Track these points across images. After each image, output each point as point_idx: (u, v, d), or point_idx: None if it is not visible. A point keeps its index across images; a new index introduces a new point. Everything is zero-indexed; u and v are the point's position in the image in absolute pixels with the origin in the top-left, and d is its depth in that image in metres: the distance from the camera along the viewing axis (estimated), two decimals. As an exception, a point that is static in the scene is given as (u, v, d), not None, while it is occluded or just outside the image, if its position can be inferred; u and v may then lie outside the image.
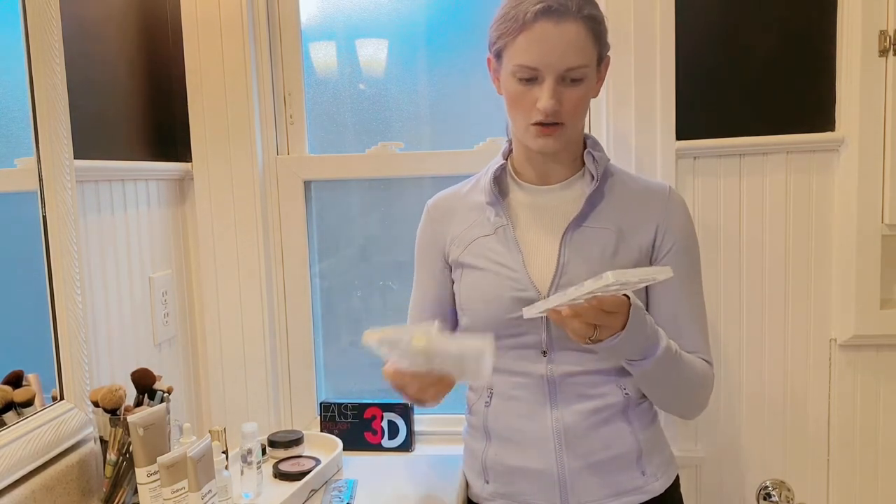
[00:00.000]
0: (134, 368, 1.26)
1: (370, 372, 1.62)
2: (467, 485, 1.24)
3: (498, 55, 1.09)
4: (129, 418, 1.11)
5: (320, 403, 1.58)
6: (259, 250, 1.57)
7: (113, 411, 1.18)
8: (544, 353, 1.11)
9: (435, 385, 1.00)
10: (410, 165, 1.57)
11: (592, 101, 1.12)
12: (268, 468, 1.35)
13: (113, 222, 1.37)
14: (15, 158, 1.11)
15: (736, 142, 1.43)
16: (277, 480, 1.32)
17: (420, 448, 1.56)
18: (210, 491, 1.10)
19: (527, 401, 1.13)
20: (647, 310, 1.06)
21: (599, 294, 0.90)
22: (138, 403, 1.24)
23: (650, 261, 1.13)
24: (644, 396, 1.15)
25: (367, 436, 1.55)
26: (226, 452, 1.31)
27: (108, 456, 1.16)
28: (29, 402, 1.09)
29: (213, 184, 1.57)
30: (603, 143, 1.19)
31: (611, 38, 1.11)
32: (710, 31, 1.42)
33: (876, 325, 1.40)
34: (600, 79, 1.11)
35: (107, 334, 1.34)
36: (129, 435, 1.12)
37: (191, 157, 1.57)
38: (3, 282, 1.09)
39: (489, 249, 1.14)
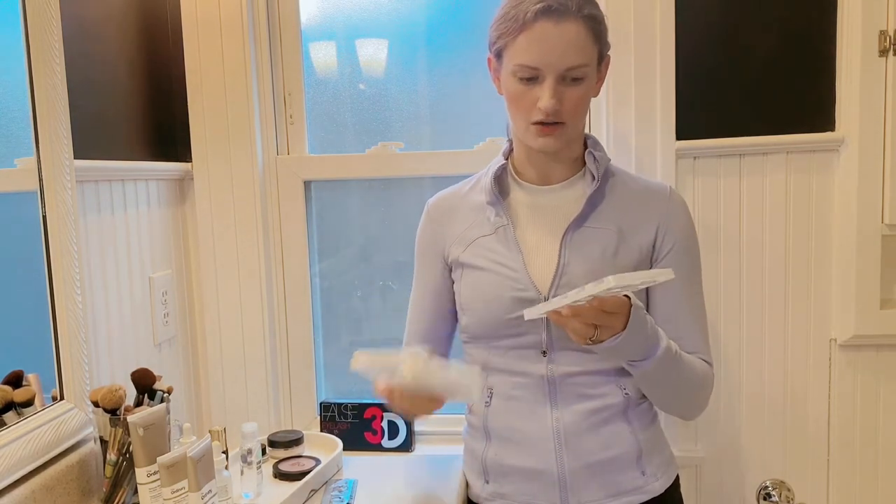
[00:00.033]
0: (134, 368, 1.26)
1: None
2: (467, 485, 1.23)
3: (498, 55, 1.09)
4: (129, 418, 1.11)
5: (320, 403, 1.58)
6: (259, 250, 1.57)
7: (113, 411, 1.18)
8: (544, 353, 1.11)
9: (426, 404, 1.04)
10: (410, 165, 1.57)
11: (592, 100, 1.12)
12: (268, 468, 1.35)
13: (113, 222, 1.37)
14: (15, 158, 1.11)
15: (736, 142, 1.43)
16: (277, 480, 1.32)
17: (420, 448, 1.56)
18: (210, 491, 1.10)
19: (527, 401, 1.13)
20: (647, 310, 1.06)
21: (600, 295, 0.90)
22: (138, 403, 1.24)
23: (650, 261, 1.13)
24: (644, 396, 1.15)
25: (367, 436, 1.55)
26: (226, 452, 1.31)
27: (108, 456, 1.16)
28: (29, 402, 1.09)
29: (213, 184, 1.57)
30: (603, 143, 1.19)
31: (611, 38, 1.11)
32: (710, 31, 1.42)
33: (876, 325, 1.40)
34: (601, 78, 1.11)
35: (107, 334, 1.34)
36: (129, 435, 1.12)
37: (191, 157, 1.57)
38: (3, 282, 1.09)
39: (489, 249, 1.14)
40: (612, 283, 0.84)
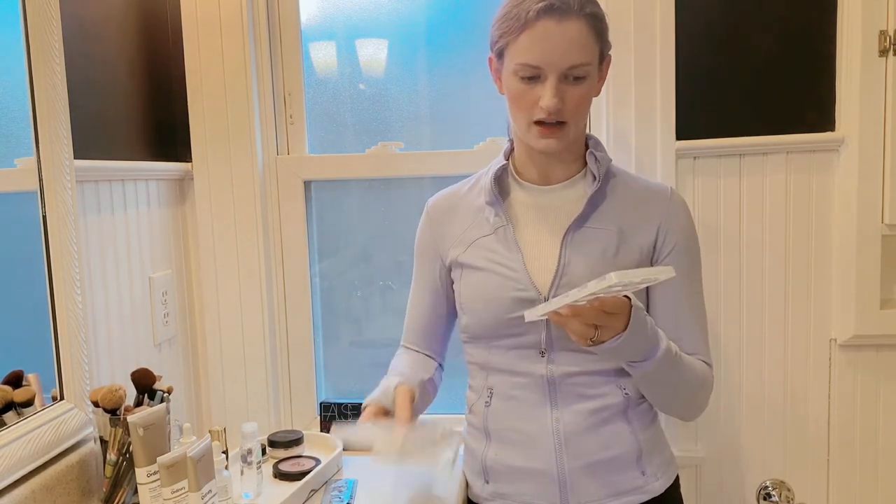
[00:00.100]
0: (134, 368, 1.26)
1: (370, 372, 1.62)
2: (467, 485, 1.23)
3: (500, 54, 1.09)
4: (129, 418, 1.11)
5: (320, 403, 1.58)
6: (259, 250, 1.57)
7: (113, 411, 1.18)
8: (542, 353, 1.11)
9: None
10: (410, 165, 1.57)
11: (593, 100, 1.12)
12: (268, 468, 1.35)
13: (113, 222, 1.37)
14: (15, 158, 1.11)
15: (736, 142, 1.43)
16: (277, 480, 1.32)
17: (420, 448, 1.56)
18: (210, 491, 1.10)
19: (527, 401, 1.13)
20: (647, 311, 1.06)
21: (601, 295, 0.90)
22: (138, 403, 1.24)
23: (651, 261, 1.13)
24: (644, 397, 1.15)
25: (367, 436, 1.55)
26: (226, 452, 1.31)
27: (108, 456, 1.16)
28: (29, 402, 1.09)
29: (213, 184, 1.57)
30: (603, 143, 1.19)
31: (611, 38, 1.11)
32: (710, 31, 1.42)
33: (876, 325, 1.41)
34: (602, 77, 1.11)
35: (107, 334, 1.34)
36: (129, 435, 1.12)
37: (191, 157, 1.57)
38: (3, 282, 1.09)
39: (489, 250, 1.14)
40: (613, 280, 0.84)
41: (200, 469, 1.07)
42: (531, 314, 0.98)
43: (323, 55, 1.64)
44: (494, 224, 1.15)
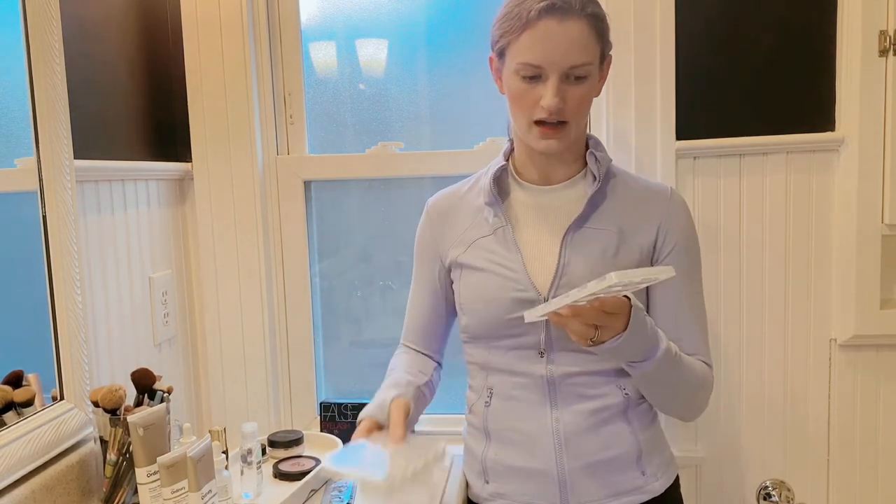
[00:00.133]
0: (134, 368, 1.26)
1: (370, 372, 1.62)
2: (467, 485, 1.23)
3: (501, 54, 1.09)
4: (129, 418, 1.11)
5: (320, 403, 1.58)
6: (259, 250, 1.57)
7: (113, 411, 1.18)
8: (541, 353, 1.11)
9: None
10: (410, 165, 1.57)
11: (593, 100, 1.12)
12: (268, 468, 1.35)
13: (113, 222, 1.37)
14: (15, 158, 1.11)
15: (736, 142, 1.43)
16: (277, 480, 1.32)
17: (420, 448, 1.56)
18: (210, 491, 1.10)
19: (527, 401, 1.13)
20: (647, 311, 1.06)
21: (601, 295, 0.90)
22: (138, 403, 1.24)
23: (651, 262, 1.13)
24: (644, 397, 1.15)
25: (367, 436, 1.55)
26: (226, 452, 1.31)
27: (108, 456, 1.16)
28: (29, 402, 1.09)
29: (213, 184, 1.56)
30: (603, 143, 1.19)
31: (611, 38, 1.11)
32: (710, 31, 1.42)
33: (876, 325, 1.41)
34: (603, 77, 1.11)
35: (107, 334, 1.34)
36: (129, 435, 1.12)
37: (191, 157, 1.57)
38: (3, 282, 1.09)
39: (489, 250, 1.14)
40: (614, 280, 0.84)
41: (200, 469, 1.07)
42: (531, 315, 0.98)
43: (323, 55, 1.64)
44: (494, 224, 1.15)
